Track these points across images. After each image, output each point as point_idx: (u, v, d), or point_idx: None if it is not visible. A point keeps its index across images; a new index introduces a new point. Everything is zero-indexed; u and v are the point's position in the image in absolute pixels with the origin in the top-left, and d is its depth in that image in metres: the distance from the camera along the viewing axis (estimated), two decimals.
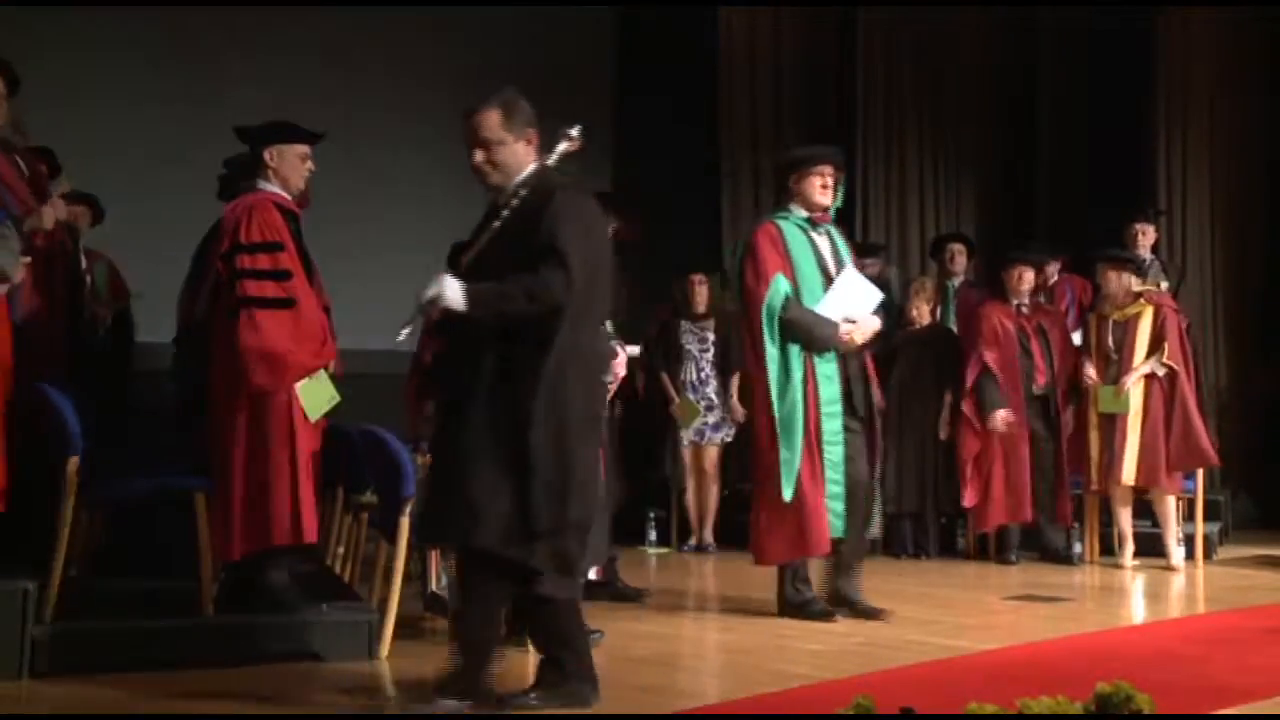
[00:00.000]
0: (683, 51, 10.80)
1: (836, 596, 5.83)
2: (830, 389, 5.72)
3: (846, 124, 10.73)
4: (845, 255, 5.93)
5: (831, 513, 5.65)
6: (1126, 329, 7.67)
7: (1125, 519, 7.70)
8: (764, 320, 5.72)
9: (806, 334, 5.70)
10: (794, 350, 5.70)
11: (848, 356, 5.77)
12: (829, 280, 5.80)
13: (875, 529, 6.18)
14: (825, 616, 5.67)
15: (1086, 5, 10.27)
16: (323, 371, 4.99)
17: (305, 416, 4.88)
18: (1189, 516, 8.13)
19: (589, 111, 10.70)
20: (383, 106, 9.59)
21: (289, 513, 4.78)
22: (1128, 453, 7.53)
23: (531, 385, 3.80)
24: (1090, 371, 7.68)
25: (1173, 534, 7.62)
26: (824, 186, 5.80)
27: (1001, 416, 7.73)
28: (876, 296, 5.87)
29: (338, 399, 5.05)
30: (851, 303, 5.78)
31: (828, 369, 5.73)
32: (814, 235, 5.85)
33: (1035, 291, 8.12)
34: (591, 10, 11.05)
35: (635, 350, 7.04)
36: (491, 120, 4.20)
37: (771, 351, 5.70)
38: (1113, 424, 7.59)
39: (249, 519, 4.76)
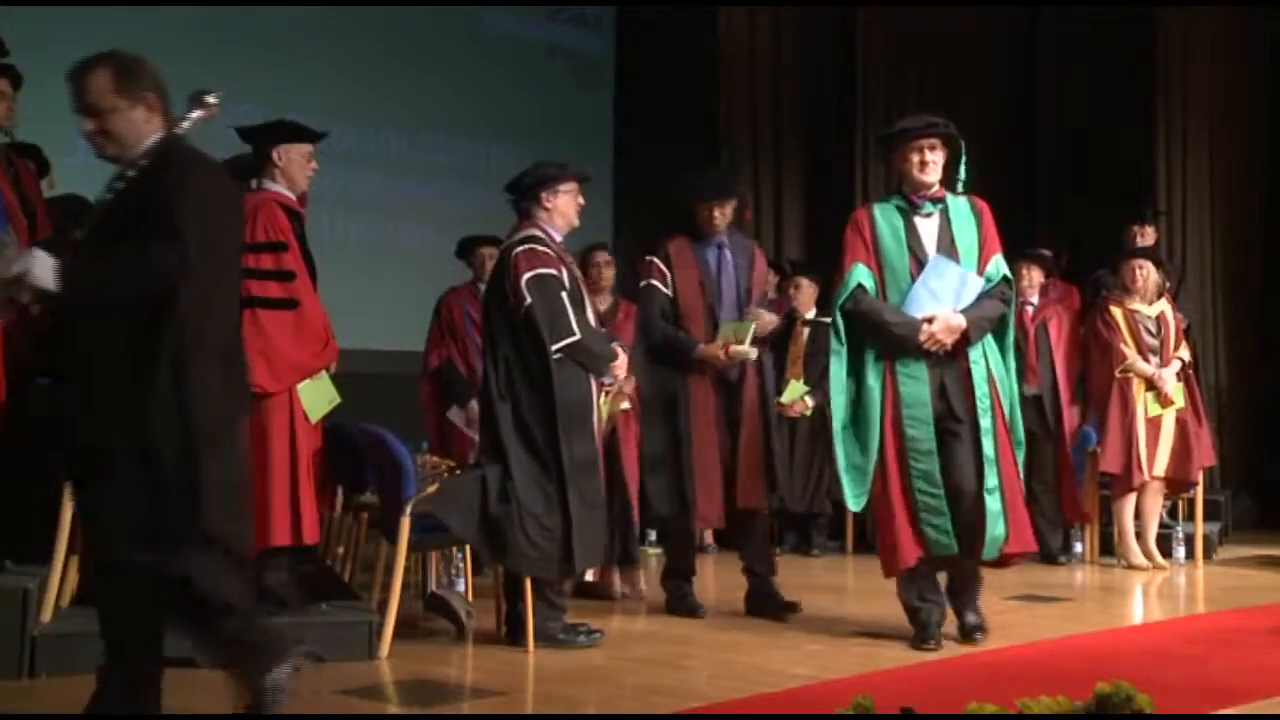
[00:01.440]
0: (683, 51, 10.81)
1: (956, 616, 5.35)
2: (916, 390, 5.12)
3: (846, 124, 10.74)
4: (962, 239, 5.24)
5: (930, 526, 5.10)
6: (1159, 322, 7.70)
7: (1153, 517, 7.69)
8: (833, 315, 5.30)
9: (881, 330, 5.16)
10: (869, 348, 5.18)
11: (944, 356, 5.14)
12: (920, 269, 5.20)
13: (995, 548, 5.14)
14: (924, 638, 5.19)
15: (1087, 5, 10.27)
16: (324, 373, 5.00)
17: (306, 417, 4.89)
18: (1189, 516, 8.14)
19: (589, 110, 10.80)
20: (385, 105, 9.59)
21: (288, 513, 4.79)
22: (1161, 446, 7.55)
23: (150, 377, 3.31)
24: (1143, 366, 7.63)
25: (1154, 532, 7.65)
26: (923, 162, 5.18)
27: None
28: (976, 286, 5.16)
29: (338, 400, 5.06)
30: (945, 294, 5.13)
31: (913, 369, 5.12)
32: (917, 219, 5.23)
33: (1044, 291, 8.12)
34: (592, 9, 11.06)
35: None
36: (100, 83, 3.46)
37: (836, 348, 5.24)
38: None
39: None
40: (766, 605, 5.88)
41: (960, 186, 5.39)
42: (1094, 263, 8.69)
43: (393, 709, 4.27)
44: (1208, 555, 7.90)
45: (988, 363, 5.20)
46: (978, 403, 5.13)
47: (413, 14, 9.66)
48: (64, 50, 7.92)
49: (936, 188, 5.26)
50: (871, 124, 10.63)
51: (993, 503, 5.10)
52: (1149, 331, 7.69)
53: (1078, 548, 7.95)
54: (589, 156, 8.74)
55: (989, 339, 5.23)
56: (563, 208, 5.25)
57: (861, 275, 5.22)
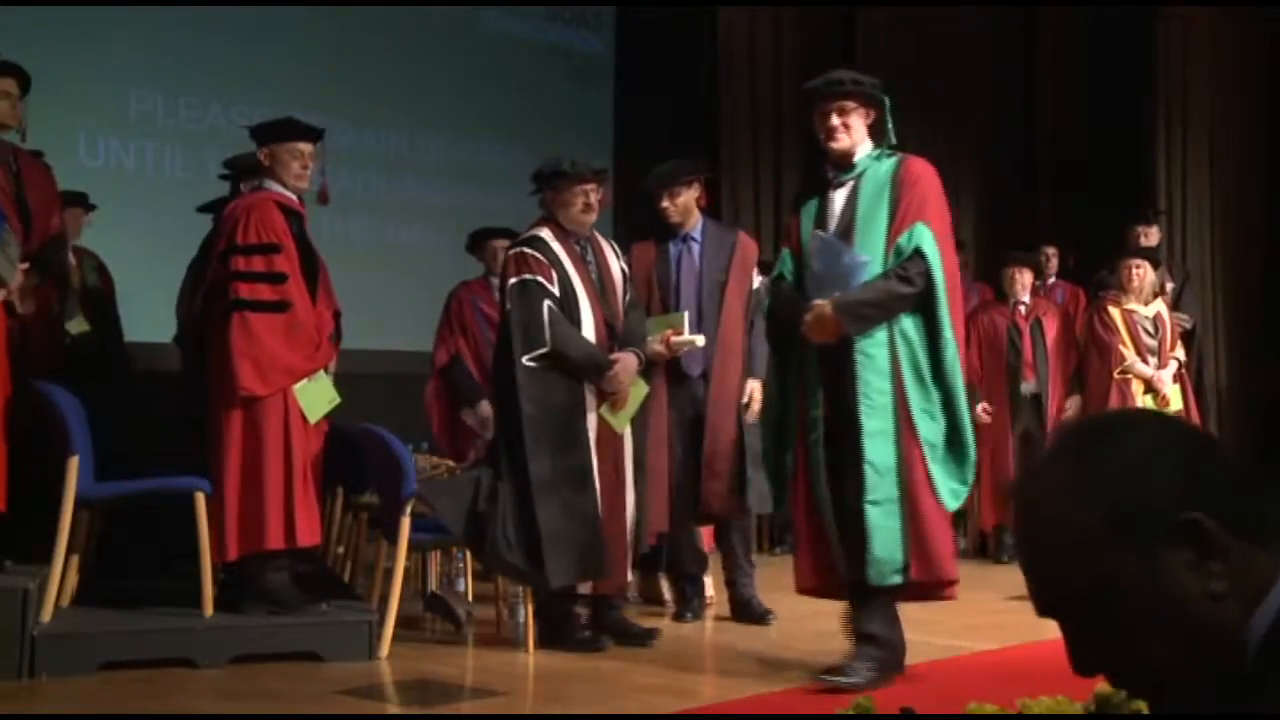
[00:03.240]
0: (682, 51, 10.81)
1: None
2: (812, 388, 4.48)
3: None
4: (866, 209, 4.45)
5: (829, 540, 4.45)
6: (1157, 322, 7.70)
7: None
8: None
9: (789, 319, 4.54)
10: (790, 342, 4.57)
11: (835, 349, 4.38)
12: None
13: (887, 572, 4.31)
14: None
15: (1086, 5, 10.27)
16: (322, 373, 4.99)
17: (303, 418, 4.88)
18: None
19: (588, 110, 10.80)
20: (384, 105, 9.59)
21: (283, 516, 4.77)
22: None
23: None
24: (1142, 368, 7.63)
25: None
26: (828, 128, 4.56)
27: (979, 409, 7.78)
28: (861, 266, 4.36)
29: (338, 401, 5.05)
30: (832, 278, 4.40)
31: (811, 365, 4.49)
32: (832, 191, 4.57)
33: (1037, 288, 8.13)
34: (592, 9, 11.06)
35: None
36: None
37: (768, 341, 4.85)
38: None
39: (244, 521, 4.76)
40: (743, 613, 5.80)
41: (886, 147, 4.63)
42: (1095, 263, 8.69)
43: (393, 709, 4.27)
44: None
45: (893, 355, 4.33)
46: (861, 401, 4.31)
47: (412, 14, 9.66)
48: (64, 50, 7.96)
49: (851, 154, 4.55)
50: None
51: (879, 518, 4.27)
52: (1147, 332, 7.69)
53: None
54: (588, 156, 8.72)
55: (908, 326, 4.35)
56: (565, 206, 5.20)
57: (784, 264, 4.68)
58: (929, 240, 4.35)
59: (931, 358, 4.35)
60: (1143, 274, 7.72)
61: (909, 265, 4.33)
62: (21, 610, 4.39)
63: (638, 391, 5.18)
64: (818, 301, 4.35)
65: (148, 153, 8.56)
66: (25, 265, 5.13)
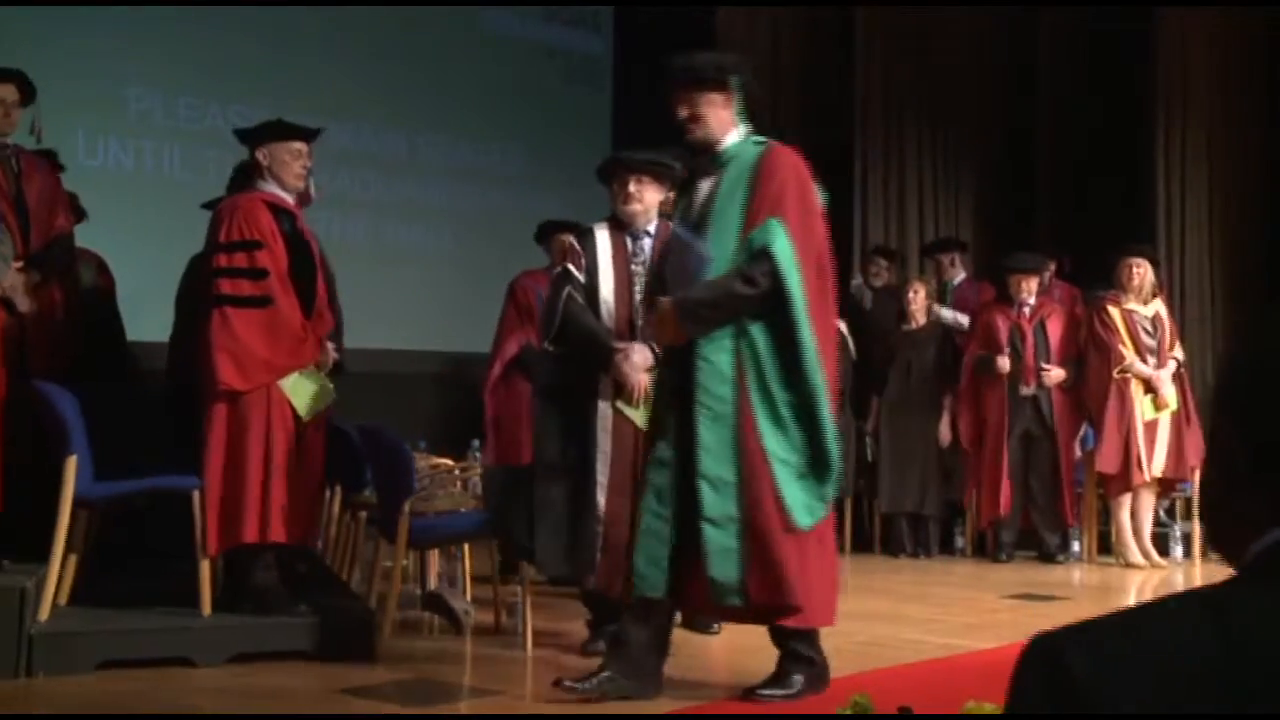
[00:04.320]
0: (682, 49, 10.78)
1: None
2: (658, 391, 4.41)
3: (844, 125, 10.74)
4: (722, 201, 4.16)
5: (642, 555, 4.13)
6: (1156, 321, 7.70)
7: (1147, 515, 7.69)
8: None
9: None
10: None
11: (681, 351, 4.15)
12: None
13: (725, 594, 4.03)
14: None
15: (1085, 6, 10.28)
16: (313, 367, 4.98)
17: (291, 415, 4.86)
18: (1186, 515, 8.15)
19: (587, 110, 10.81)
20: (383, 105, 9.59)
21: (259, 511, 4.75)
22: (1158, 446, 7.56)
23: None
24: (1141, 367, 7.62)
25: (1148, 531, 7.66)
26: (688, 115, 4.23)
27: (1000, 361, 7.78)
28: (704, 261, 4.08)
29: (333, 396, 5.04)
30: (681, 273, 4.18)
31: (664, 365, 4.43)
32: (701, 181, 4.34)
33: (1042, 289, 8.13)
34: (591, 9, 11.07)
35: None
36: None
37: None
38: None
39: (223, 515, 4.76)
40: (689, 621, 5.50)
41: (740, 133, 4.26)
42: (1093, 264, 8.68)
43: (391, 708, 4.27)
44: (1205, 554, 7.91)
45: (737, 360, 4.00)
46: (699, 411, 3.98)
47: (411, 14, 9.66)
48: (63, 50, 7.96)
49: (712, 143, 4.22)
50: (870, 125, 10.64)
51: (717, 536, 3.96)
52: (1146, 332, 7.69)
53: (1075, 546, 7.96)
54: (587, 157, 8.73)
55: (756, 330, 4.01)
56: (613, 198, 5.13)
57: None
58: (780, 237, 3.98)
59: (784, 365, 3.96)
60: (1143, 273, 7.73)
61: (753, 264, 3.98)
62: (19, 609, 4.39)
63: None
64: (662, 300, 4.11)
65: (146, 153, 8.57)
66: (20, 264, 5.13)
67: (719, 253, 4.03)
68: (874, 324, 8.85)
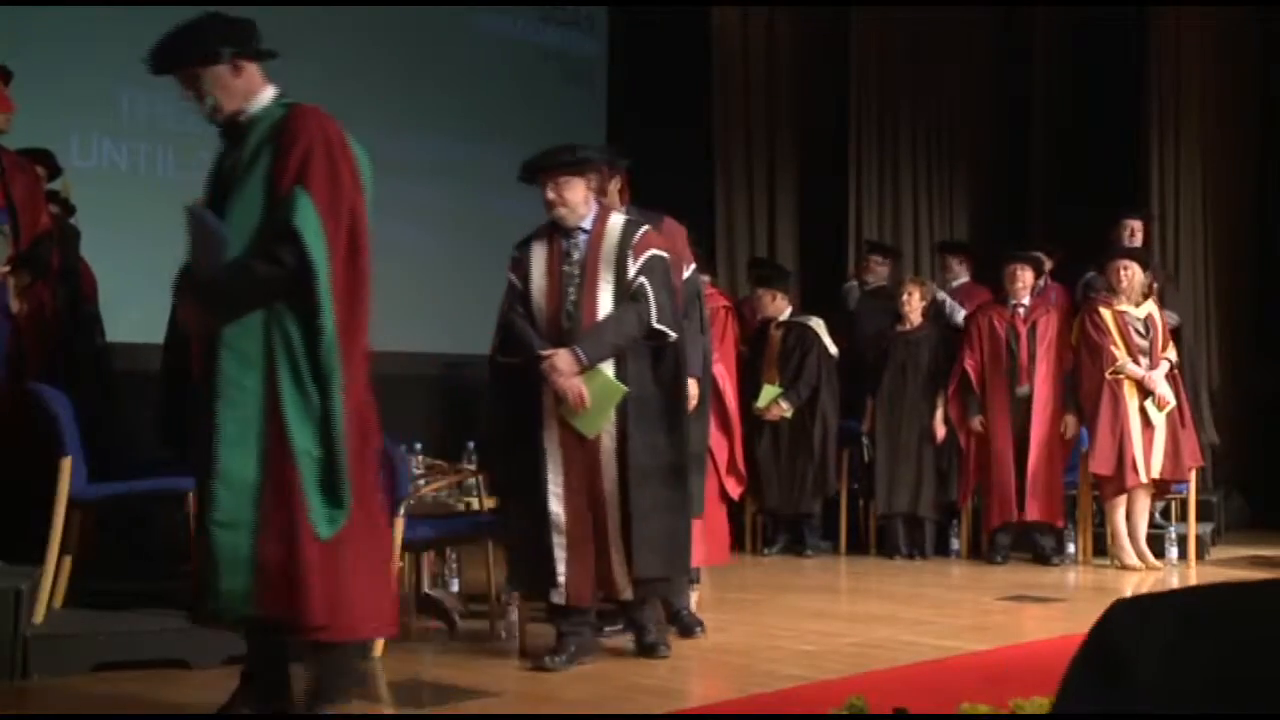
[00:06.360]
0: (677, 50, 10.82)
1: None
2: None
3: (839, 123, 10.76)
4: (245, 169, 3.70)
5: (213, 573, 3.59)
6: (1148, 323, 7.71)
7: (1142, 517, 7.69)
8: None
9: None
10: None
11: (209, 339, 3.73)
12: None
13: (235, 605, 3.58)
14: None
15: (1080, 5, 10.30)
16: None
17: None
18: (1182, 517, 8.15)
19: (582, 111, 10.81)
20: (378, 106, 9.58)
21: None
22: (1155, 448, 7.56)
23: None
24: (1134, 368, 7.62)
25: (1143, 533, 7.67)
26: None
27: (973, 423, 7.91)
28: (222, 240, 3.60)
29: None
30: (204, 251, 3.69)
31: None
32: (223, 153, 3.88)
33: (1036, 289, 8.13)
34: (586, 11, 11.07)
35: None
36: None
37: None
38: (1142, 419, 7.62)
39: None
40: (672, 623, 5.37)
41: (268, 96, 3.83)
42: (1084, 263, 8.71)
43: (386, 710, 4.26)
44: (1200, 556, 7.92)
45: (267, 348, 3.58)
46: (220, 401, 3.55)
47: (406, 15, 9.66)
48: (56, 50, 7.95)
49: (236, 110, 3.80)
50: (865, 124, 10.65)
51: (225, 539, 3.50)
52: (1138, 333, 7.70)
53: (1070, 548, 7.96)
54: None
55: (286, 315, 3.59)
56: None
57: None
58: (306, 211, 3.56)
59: (310, 354, 3.58)
60: (1131, 274, 7.73)
61: (278, 241, 3.56)
62: (14, 611, 4.39)
63: (604, 393, 4.67)
64: (185, 286, 3.73)
65: (140, 153, 8.55)
66: (7, 268, 5.12)
67: (243, 228, 3.59)
68: (858, 324, 8.83)
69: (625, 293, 4.76)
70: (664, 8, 10.82)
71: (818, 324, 8.43)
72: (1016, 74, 10.65)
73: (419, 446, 6.54)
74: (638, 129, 10.54)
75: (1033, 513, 7.77)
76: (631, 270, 4.77)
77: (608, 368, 4.70)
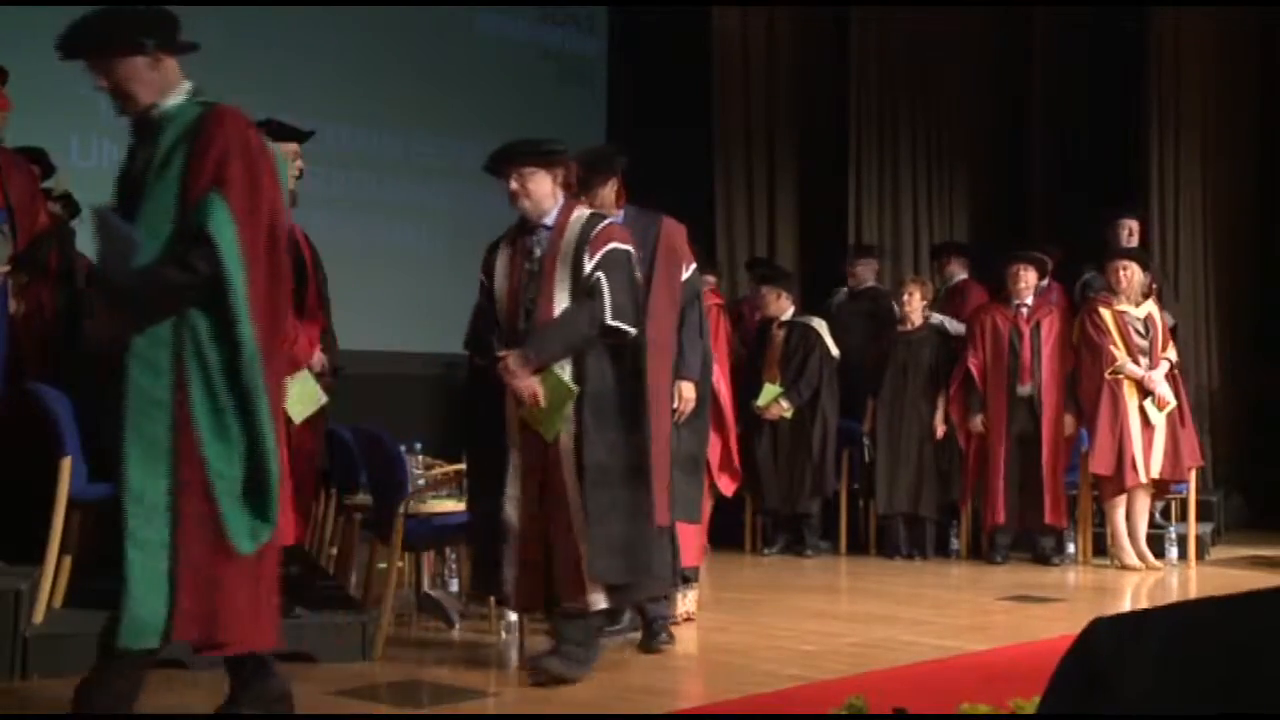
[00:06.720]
0: (677, 50, 10.82)
1: None
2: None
3: (839, 123, 10.76)
4: (158, 170, 3.53)
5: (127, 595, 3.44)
6: (1148, 323, 7.71)
7: (1142, 517, 7.68)
8: None
9: None
10: None
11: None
12: None
13: (142, 633, 3.43)
14: None
15: (1080, 5, 10.29)
16: (305, 372, 4.96)
17: (281, 417, 4.83)
18: (1182, 517, 8.15)
19: (582, 111, 10.81)
20: (379, 106, 9.59)
21: None
22: (1155, 448, 7.56)
23: None
24: (1133, 368, 7.61)
25: (1143, 533, 7.67)
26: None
27: (974, 423, 7.90)
28: (134, 245, 3.42)
29: (324, 400, 5.03)
30: (113, 256, 3.50)
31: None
32: (136, 150, 3.71)
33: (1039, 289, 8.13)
34: (585, 10, 11.07)
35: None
36: None
37: None
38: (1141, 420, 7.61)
39: None
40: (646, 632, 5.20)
41: (183, 91, 3.70)
42: (1082, 262, 8.71)
43: (386, 710, 4.26)
44: (1200, 556, 7.92)
45: (177, 358, 3.41)
46: (129, 413, 3.41)
47: (406, 15, 9.66)
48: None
49: (147, 102, 3.65)
50: (866, 123, 10.65)
51: (139, 560, 3.37)
52: (1138, 333, 7.70)
53: (1070, 549, 7.97)
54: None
55: (200, 324, 3.42)
56: None
57: None
58: (221, 216, 3.40)
59: (227, 364, 3.41)
60: (1130, 275, 7.73)
61: (191, 247, 3.39)
62: (14, 611, 4.39)
63: (556, 394, 4.48)
64: (96, 293, 3.61)
65: None
66: (7, 268, 5.12)
67: (154, 232, 3.42)
68: (843, 325, 8.79)
69: (583, 289, 4.55)
70: (664, 8, 10.82)
71: (820, 324, 8.44)
72: (1016, 74, 10.64)
73: (419, 446, 6.53)
74: (638, 129, 10.54)
75: (1049, 516, 7.75)
76: (588, 266, 4.55)
77: (566, 366, 4.52)
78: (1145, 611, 1.09)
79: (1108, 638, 1.05)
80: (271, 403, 3.44)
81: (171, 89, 3.62)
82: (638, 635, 5.11)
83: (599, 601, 4.52)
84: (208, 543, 3.35)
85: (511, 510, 4.54)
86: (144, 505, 3.35)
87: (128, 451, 3.36)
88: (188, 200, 3.41)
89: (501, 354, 4.55)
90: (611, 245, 4.60)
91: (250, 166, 3.45)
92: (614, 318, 4.52)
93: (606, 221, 4.70)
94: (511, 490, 4.54)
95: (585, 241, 4.58)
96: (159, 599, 3.34)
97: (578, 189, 4.98)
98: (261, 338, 3.41)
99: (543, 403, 4.47)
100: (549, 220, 4.66)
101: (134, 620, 3.36)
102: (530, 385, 4.47)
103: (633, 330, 4.57)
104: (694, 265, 5.38)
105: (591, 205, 4.97)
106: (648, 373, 4.82)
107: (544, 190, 4.65)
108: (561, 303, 4.57)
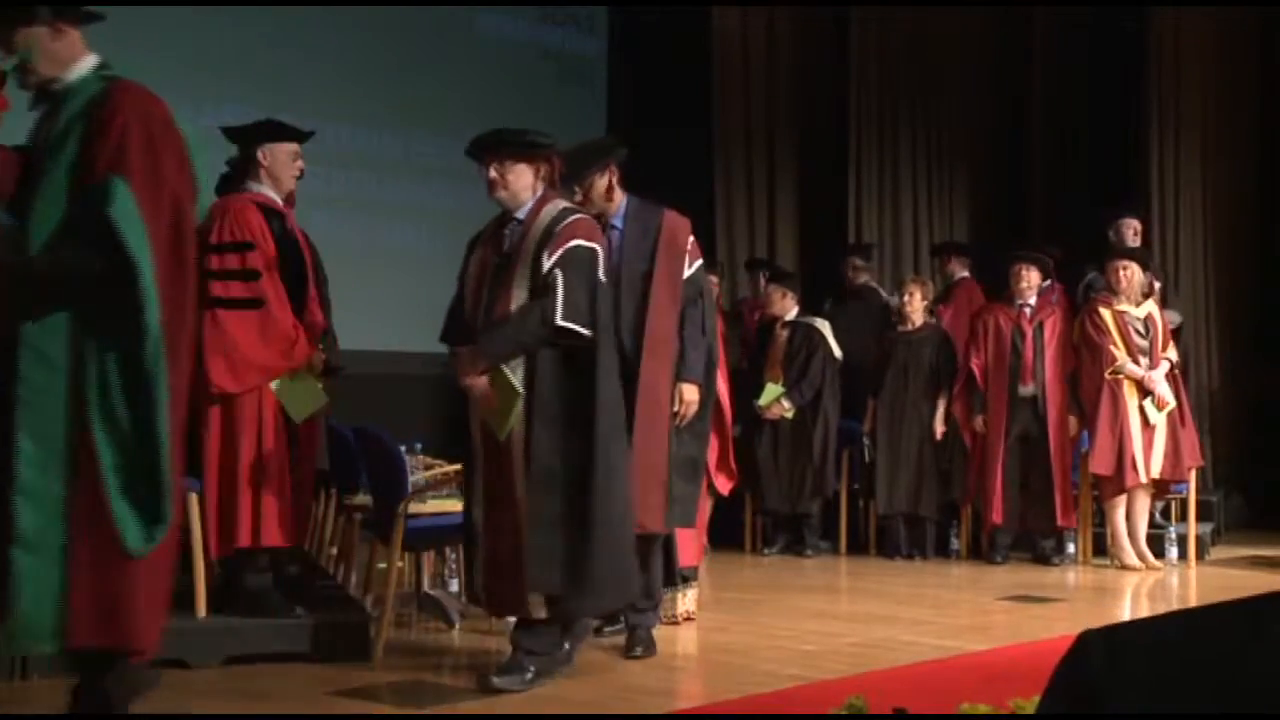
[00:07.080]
0: (677, 50, 10.82)
1: None
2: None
3: (839, 123, 10.76)
4: (51, 150, 3.40)
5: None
6: (1148, 323, 7.71)
7: (1142, 517, 7.68)
8: None
9: None
10: None
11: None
12: None
13: (35, 636, 3.30)
14: None
15: (1080, 5, 10.30)
16: (307, 371, 4.97)
17: (283, 417, 4.85)
18: (1182, 517, 8.15)
19: (582, 111, 10.81)
20: (379, 106, 9.59)
21: (252, 515, 4.76)
22: (1155, 448, 7.56)
23: None
24: (1133, 368, 7.61)
25: (1143, 533, 7.67)
26: None
27: (975, 422, 7.92)
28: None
29: (325, 399, 5.03)
30: None
31: None
32: (40, 126, 3.50)
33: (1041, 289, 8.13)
34: (586, 10, 11.07)
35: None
36: None
37: None
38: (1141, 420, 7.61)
39: (221, 519, 4.76)
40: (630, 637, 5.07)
41: (88, 64, 3.48)
42: (1083, 262, 8.70)
43: (386, 709, 4.26)
44: (1200, 556, 7.92)
45: (73, 349, 3.23)
46: (20, 408, 3.23)
47: (406, 15, 9.67)
48: None
49: (53, 78, 3.45)
50: (866, 123, 10.65)
51: (28, 563, 3.20)
52: (1138, 333, 7.70)
53: (1070, 548, 7.96)
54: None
55: (99, 314, 3.26)
56: None
57: None
58: (123, 199, 3.22)
59: (126, 355, 3.23)
60: (1130, 275, 7.73)
61: (89, 233, 3.23)
62: None
63: (503, 395, 4.34)
64: None
65: None
66: None
67: (46, 215, 3.25)
68: (839, 325, 8.76)
69: (540, 286, 4.35)
70: (664, 8, 10.82)
71: (824, 325, 8.44)
72: (1016, 74, 10.64)
73: (419, 446, 6.53)
74: (638, 129, 10.53)
75: (1060, 519, 7.75)
76: (547, 263, 4.34)
77: (519, 367, 4.36)
78: (1137, 622, 1.09)
79: (1099, 650, 1.05)
80: (172, 398, 3.26)
81: (75, 61, 3.43)
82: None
83: (538, 610, 4.37)
84: (103, 543, 3.18)
85: (478, 512, 4.44)
86: (37, 504, 3.19)
87: (20, 446, 3.19)
88: (81, 182, 3.24)
89: (456, 350, 4.44)
90: (574, 242, 4.39)
91: (151, 148, 3.27)
92: (565, 318, 4.30)
93: (576, 216, 4.49)
94: (476, 491, 4.46)
95: (550, 236, 4.38)
96: (51, 602, 3.19)
97: (569, 178, 4.80)
98: (164, 328, 3.23)
99: (494, 402, 4.34)
100: (521, 214, 4.49)
101: (26, 625, 3.21)
102: (481, 383, 4.34)
103: (586, 332, 4.34)
104: (699, 261, 5.20)
105: (585, 196, 4.86)
106: (647, 376, 4.75)
107: (523, 183, 4.48)
108: (519, 299, 4.38)
